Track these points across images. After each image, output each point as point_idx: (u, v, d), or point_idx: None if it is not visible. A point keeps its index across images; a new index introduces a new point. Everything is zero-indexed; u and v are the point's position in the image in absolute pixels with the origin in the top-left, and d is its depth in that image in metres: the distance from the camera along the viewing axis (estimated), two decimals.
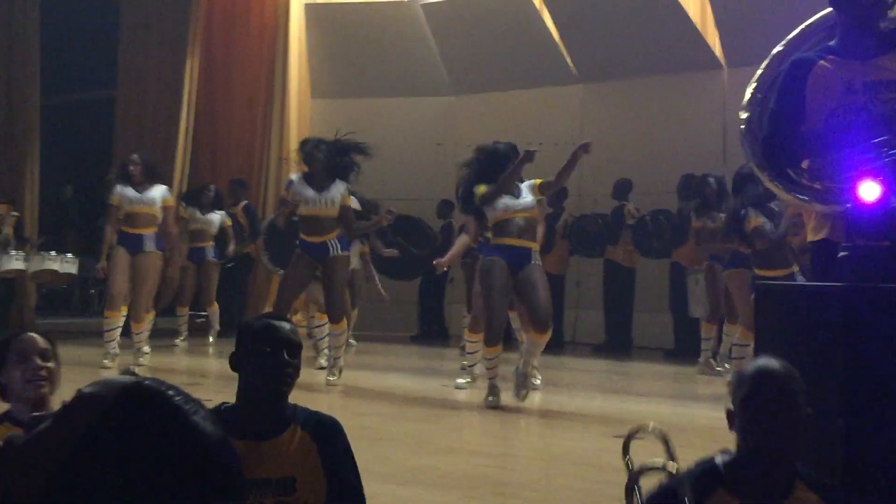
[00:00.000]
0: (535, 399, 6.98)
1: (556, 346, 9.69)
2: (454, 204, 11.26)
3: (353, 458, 2.51)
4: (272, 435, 2.41)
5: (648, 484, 2.20)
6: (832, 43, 3.16)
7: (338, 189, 7.44)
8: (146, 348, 8.28)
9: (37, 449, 1.04)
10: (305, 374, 7.63)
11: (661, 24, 10.42)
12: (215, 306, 10.17)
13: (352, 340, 10.09)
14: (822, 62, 3.11)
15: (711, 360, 8.49)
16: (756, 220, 6.94)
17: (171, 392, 1.03)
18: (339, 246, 7.46)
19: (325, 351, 8.20)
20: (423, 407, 6.69)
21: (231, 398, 2.51)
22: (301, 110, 12.55)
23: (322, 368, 7.99)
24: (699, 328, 8.81)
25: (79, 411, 1.03)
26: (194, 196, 10.36)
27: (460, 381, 7.51)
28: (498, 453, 5.30)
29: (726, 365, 8.14)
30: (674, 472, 2.04)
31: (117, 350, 8.11)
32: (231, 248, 10.21)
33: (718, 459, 2.10)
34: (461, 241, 7.86)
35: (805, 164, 3.10)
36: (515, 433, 6.07)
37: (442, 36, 12.02)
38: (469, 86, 12.12)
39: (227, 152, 12.42)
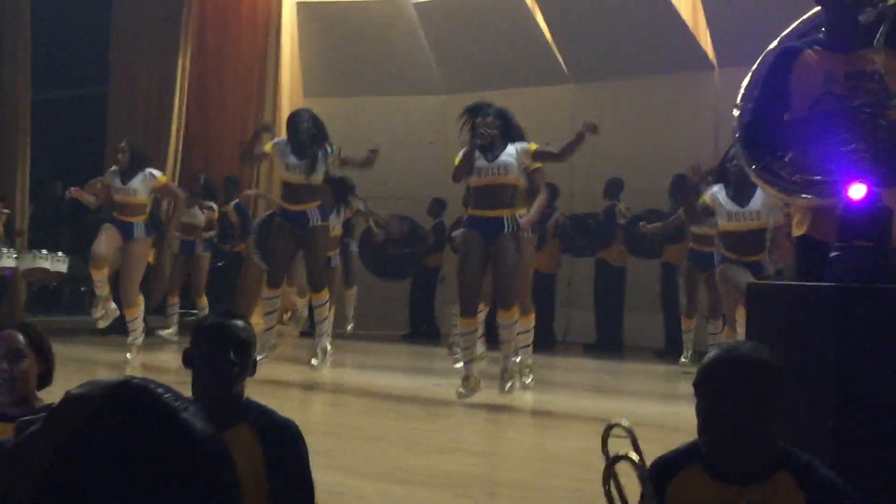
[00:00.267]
0: (527, 398, 6.98)
1: (547, 346, 9.71)
2: (445, 203, 11.30)
3: (305, 465, 2.42)
4: (219, 431, 2.34)
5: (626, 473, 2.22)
6: (821, 35, 3.18)
7: (321, 159, 7.45)
8: (139, 340, 8.25)
9: (27, 452, 1.04)
10: (303, 371, 7.62)
11: (653, 24, 10.44)
12: (204, 299, 10.14)
13: (350, 327, 10.11)
14: (808, 51, 3.12)
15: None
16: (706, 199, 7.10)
17: (160, 390, 1.02)
18: (318, 216, 7.48)
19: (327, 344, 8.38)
20: (414, 406, 6.69)
21: None
22: (293, 109, 12.51)
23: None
24: None
25: (68, 413, 1.02)
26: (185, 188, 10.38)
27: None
28: (489, 452, 5.31)
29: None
30: (636, 462, 2.11)
31: (105, 292, 8.20)
32: (210, 233, 10.15)
33: (702, 440, 2.14)
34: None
35: (787, 157, 3.10)
36: (507, 432, 6.07)
37: (434, 35, 12.01)
38: (461, 85, 12.11)
39: (220, 150, 12.40)
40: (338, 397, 7.23)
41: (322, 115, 12.36)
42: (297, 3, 12.48)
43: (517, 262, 6.55)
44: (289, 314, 8.37)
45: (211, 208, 10.14)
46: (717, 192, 6.99)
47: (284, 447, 2.40)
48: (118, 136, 11.63)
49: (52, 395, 2.40)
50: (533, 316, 7.39)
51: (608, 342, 10.43)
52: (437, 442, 5.46)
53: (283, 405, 2.54)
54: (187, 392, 1.08)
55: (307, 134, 7.39)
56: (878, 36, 2.72)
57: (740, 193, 6.79)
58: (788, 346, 2.63)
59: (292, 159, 7.41)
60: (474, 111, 6.67)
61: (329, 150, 7.54)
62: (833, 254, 2.66)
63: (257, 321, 10.56)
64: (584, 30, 10.96)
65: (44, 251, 9.96)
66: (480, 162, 6.49)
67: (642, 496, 2.07)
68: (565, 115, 11.39)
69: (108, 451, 0.98)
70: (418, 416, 6.30)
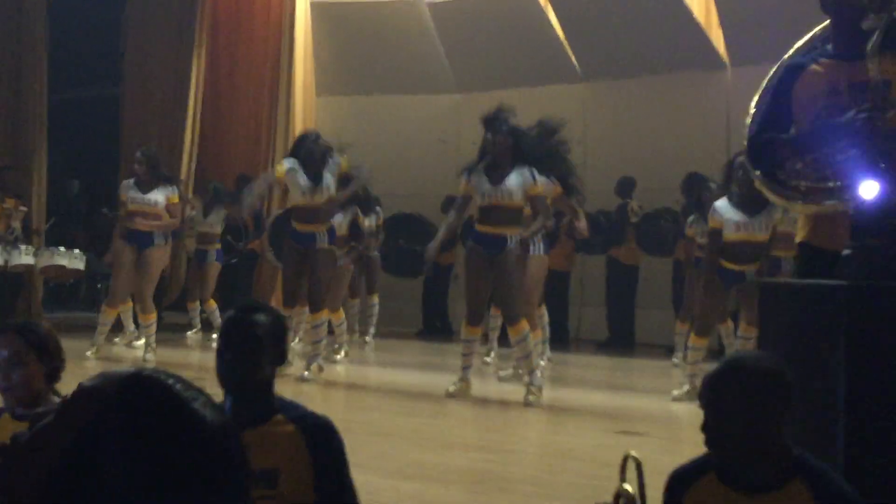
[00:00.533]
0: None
1: (559, 343, 9.72)
2: None
3: (347, 469, 2.44)
4: (255, 424, 2.33)
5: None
6: (829, 46, 3.19)
7: (330, 180, 7.45)
8: (153, 343, 8.34)
9: (41, 444, 1.05)
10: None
11: (666, 22, 10.43)
12: (212, 303, 10.21)
13: (368, 338, 10.15)
14: (813, 66, 3.14)
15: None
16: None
17: (171, 381, 1.03)
18: (326, 238, 7.49)
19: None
20: (426, 402, 6.72)
21: None
22: (306, 107, 12.58)
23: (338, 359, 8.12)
24: None
25: (80, 405, 1.03)
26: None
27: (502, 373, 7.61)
28: (501, 449, 5.33)
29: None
30: (630, 494, 2.15)
31: (102, 342, 8.28)
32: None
33: (711, 452, 2.14)
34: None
35: (789, 165, 3.13)
36: (518, 429, 6.09)
37: (447, 34, 12.03)
38: (474, 84, 12.14)
39: (233, 149, 12.45)
40: (350, 393, 7.27)
41: (335, 114, 12.51)
42: (311, 3, 12.51)
43: (520, 281, 6.59)
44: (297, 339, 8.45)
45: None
46: (721, 209, 6.72)
47: (331, 443, 2.41)
48: (133, 136, 11.73)
49: (68, 389, 2.43)
50: (539, 332, 7.45)
51: (620, 339, 10.44)
52: (450, 438, 5.49)
53: (296, 401, 2.57)
54: (205, 387, 1.11)
55: (320, 154, 7.40)
56: (872, 41, 2.73)
57: (747, 203, 6.61)
58: (799, 345, 2.63)
59: (303, 181, 7.39)
60: (488, 123, 6.63)
61: (335, 159, 7.52)
62: (845, 252, 2.67)
63: None
64: (596, 29, 10.96)
65: (61, 248, 10.06)
66: (485, 184, 6.51)
67: None
68: (577, 113, 11.39)
69: (121, 441, 0.98)
70: (431, 413, 6.33)
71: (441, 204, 11.42)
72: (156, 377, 1.03)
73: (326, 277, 7.59)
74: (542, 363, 7.40)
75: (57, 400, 2.54)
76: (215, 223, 10.19)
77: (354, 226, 8.88)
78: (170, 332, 9.87)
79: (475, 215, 6.82)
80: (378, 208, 10.04)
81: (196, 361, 8.81)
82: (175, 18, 12.05)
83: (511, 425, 6.12)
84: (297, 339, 8.31)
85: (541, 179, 6.62)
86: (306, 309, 7.85)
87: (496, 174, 6.53)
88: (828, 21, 3.26)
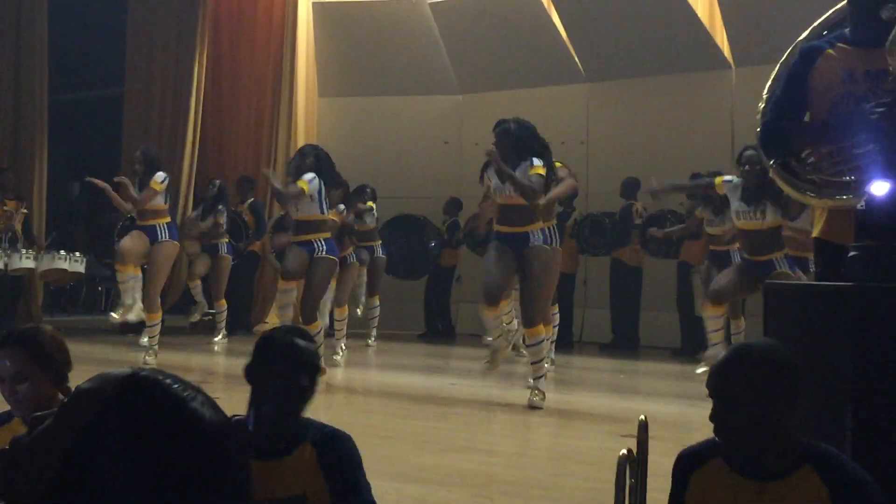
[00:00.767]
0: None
1: (564, 345, 9.69)
2: (461, 202, 11.31)
3: (360, 474, 2.43)
4: (284, 454, 2.36)
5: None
6: (846, 30, 3.14)
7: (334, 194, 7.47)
8: (155, 347, 8.32)
9: (41, 446, 1.05)
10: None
11: (669, 23, 10.40)
12: (223, 302, 10.19)
13: (370, 341, 10.14)
14: (829, 51, 3.10)
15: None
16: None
17: (168, 381, 1.03)
18: (324, 247, 7.45)
19: (342, 345, 8.57)
20: (430, 405, 6.69)
21: (238, 397, 2.51)
22: (308, 108, 12.57)
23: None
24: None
25: (79, 407, 1.03)
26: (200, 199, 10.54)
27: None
28: (505, 451, 5.30)
29: None
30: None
31: (135, 299, 8.27)
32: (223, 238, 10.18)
33: (718, 439, 2.14)
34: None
35: (805, 155, 3.08)
36: (523, 431, 6.06)
37: (449, 34, 12.01)
38: (476, 84, 12.12)
39: (235, 150, 12.44)
40: (353, 396, 7.24)
41: (336, 115, 12.51)
42: (313, 3, 12.50)
43: (544, 282, 6.53)
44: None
45: (220, 212, 10.15)
46: (732, 183, 6.93)
47: (340, 456, 2.41)
48: (134, 138, 11.72)
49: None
50: (549, 328, 7.43)
51: (624, 342, 10.41)
52: (453, 441, 5.46)
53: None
54: (212, 393, 1.08)
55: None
56: (891, 36, 2.69)
57: (749, 193, 6.74)
58: (806, 344, 2.61)
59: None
60: (495, 127, 6.64)
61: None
62: (851, 253, 2.64)
63: (273, 320, 10.62)
64: (599, 29, 10.94)
65: (62, 252, 10.04)
66: (495, 181, 6.50)
67: None
68: (581, 114, 11.39)
69: (120, 442, 0.98)
70: (433, 416, 6.30)
71: (444, 205, 11.41)
72: (153, 377, 1.04)
73: (321, 287, 7.53)
74: (547, 365, 7.36)
75: None
76: (220, 218, 10.14)
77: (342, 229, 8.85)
78: (170, 335, 9.83)
79: (495, 217, 6.76)
80: (373, 211, 10.00)
81: (196, 363, 8.79)
82: (176, 20, 12.04)
83: (515, 428, 6.09)
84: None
85: (539, 162, 6.51)
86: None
87: (503, 174, 6.50)
88: (844, 2, 3.21)
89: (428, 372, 8.62)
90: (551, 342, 7.94)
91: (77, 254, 10.18)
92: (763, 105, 3.27)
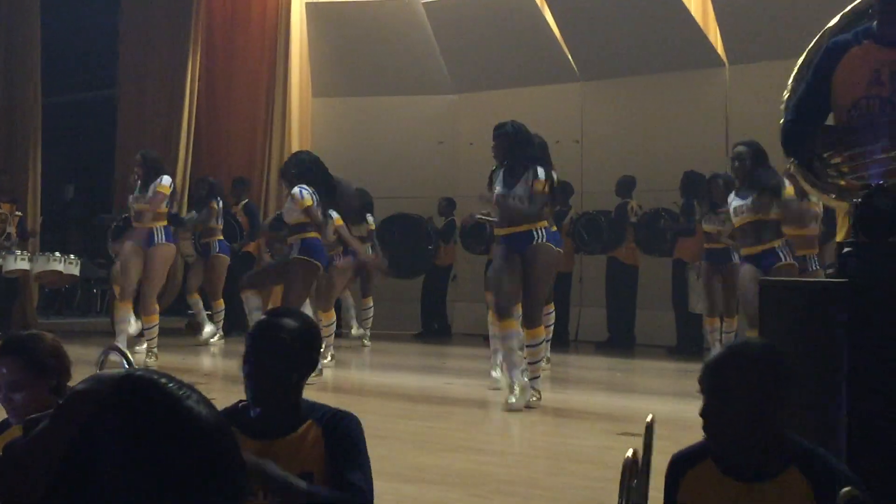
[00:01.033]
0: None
1: (559, 344, 9.69)
2: (455, 202, 11.30)
3: (359, 451, 2.46)
4: (286, 432, 2.40)
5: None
6: (874, 23, 3.07)
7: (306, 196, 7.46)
8: (155, 348, 8.31)
9: (37, 449, 1.04)
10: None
11: (663, 21, 10.41)
12: (221, 302, 10.15)
13: (366, 341, 10.12)
14: (856, 47, 3.04)
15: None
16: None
17: (163, 380, 1.03)
18: (300, 248, 7.45)
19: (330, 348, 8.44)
20: (426, 405, 6.68)
21: (235, 397, 2.51)
22: (302, 109, 12.55)
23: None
24: (701, 324, 8.85)
25: (74, 408, 1.03)
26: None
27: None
28: (501, 451, 5.30)
29: None
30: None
31: (129, 332, 8.32)
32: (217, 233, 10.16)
33: (708, 438, 2.15)
34: None
35: (828, 156, 3.06)
36: (519, 430, 6.06)
37: (443, 34, 12.01)
38: (470, 84, 12.12)
39: (229, 151, 12.42)
40: (349, 396, 7.23)
41: (330, 115, 12.50)
42: (306, 3, 12.49)
43: (545, 280, 6.52)
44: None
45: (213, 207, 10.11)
46: (729, 200, 6.94)
47: (342, 434, 2.44)
48: (128, 139, 11.71)
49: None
50: (543, 328, 7.39)
51: (620, 340, 10.41)
52: (449, 441, 5.45)
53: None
54: (209, 394, 1.08)
55: (292, 177, 7.52)
56: None
57: (742, 188, 6.72)
58: (801, 342, 2.61)
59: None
60: (494, 130, 6.64)
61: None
62: (845, 249, 2.65)
63: None
64: (593, 28, 10.94)
65: (57, 254, 10.02)
66: (501, 188, 6.49)
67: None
68: (575, 113, 11.39)
69: (117, 442, 0.98)
70: (430, 415, 6.29)
71: (438, 205, 11.41)
72: (148, 377, 1.03)
73: (300, 287, 7.53)
74: (542, 364, 7.35)
75: None
76: (213, 204, 10.09)
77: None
78: (165, 336, 9.80)
79: (497, 219, 6.72)
80: (369, 216, 9.99)
81: (196, 365, 8.77)
82: (170, 21, 12.02)
83: (511, 427, 6.09)
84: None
85: (542, 174, 6.50)
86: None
87: (511, 179, 6.53)
88: None
89: (424, 371, 8.61)
90: (547, 341, 7.93)
91: (72, 256, 10.17)
92: (787, 95, 3.22)
